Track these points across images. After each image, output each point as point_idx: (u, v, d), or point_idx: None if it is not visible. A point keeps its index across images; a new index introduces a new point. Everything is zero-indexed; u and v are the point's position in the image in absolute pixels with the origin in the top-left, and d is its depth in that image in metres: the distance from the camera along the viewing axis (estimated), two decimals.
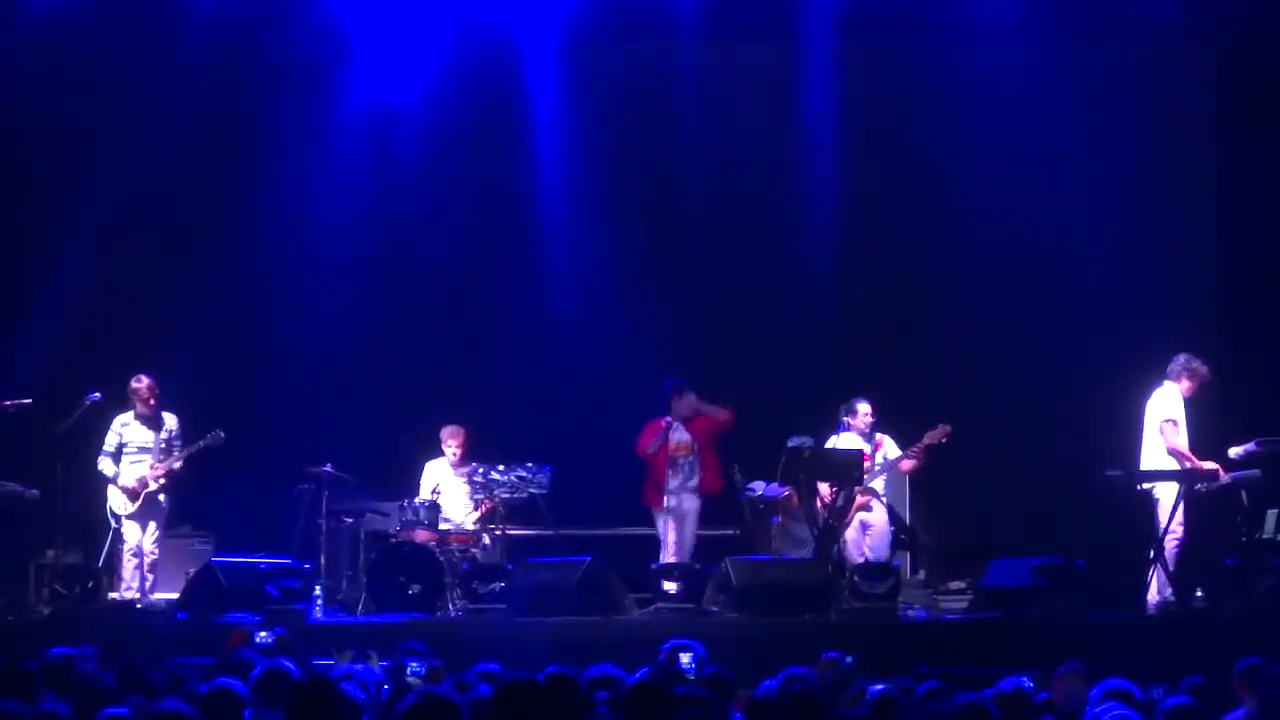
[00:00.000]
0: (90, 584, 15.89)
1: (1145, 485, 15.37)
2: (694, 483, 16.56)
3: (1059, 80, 18.15)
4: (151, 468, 16.11)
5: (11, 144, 18.59)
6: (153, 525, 16.13)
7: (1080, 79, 18.19)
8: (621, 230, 18.55)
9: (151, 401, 16.20)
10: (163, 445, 16.19)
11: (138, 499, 16.07)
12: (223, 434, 16.10)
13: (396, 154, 18.60)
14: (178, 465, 16.15)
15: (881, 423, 16.52)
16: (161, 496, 16.17)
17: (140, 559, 16.07)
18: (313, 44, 18.46)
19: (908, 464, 16.56)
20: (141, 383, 16.19)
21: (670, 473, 16.55)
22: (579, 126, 18.69)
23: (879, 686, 8.65)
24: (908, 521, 16.77)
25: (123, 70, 18.33)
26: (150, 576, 16.07)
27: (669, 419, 16.59)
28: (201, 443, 16.14)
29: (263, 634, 11.24)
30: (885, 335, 18.28)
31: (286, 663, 9.22)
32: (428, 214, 18.65)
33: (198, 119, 18.29)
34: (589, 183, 18.66)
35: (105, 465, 16.17)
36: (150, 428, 16.22)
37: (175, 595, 15.86)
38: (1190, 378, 15.53)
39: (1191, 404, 15.54)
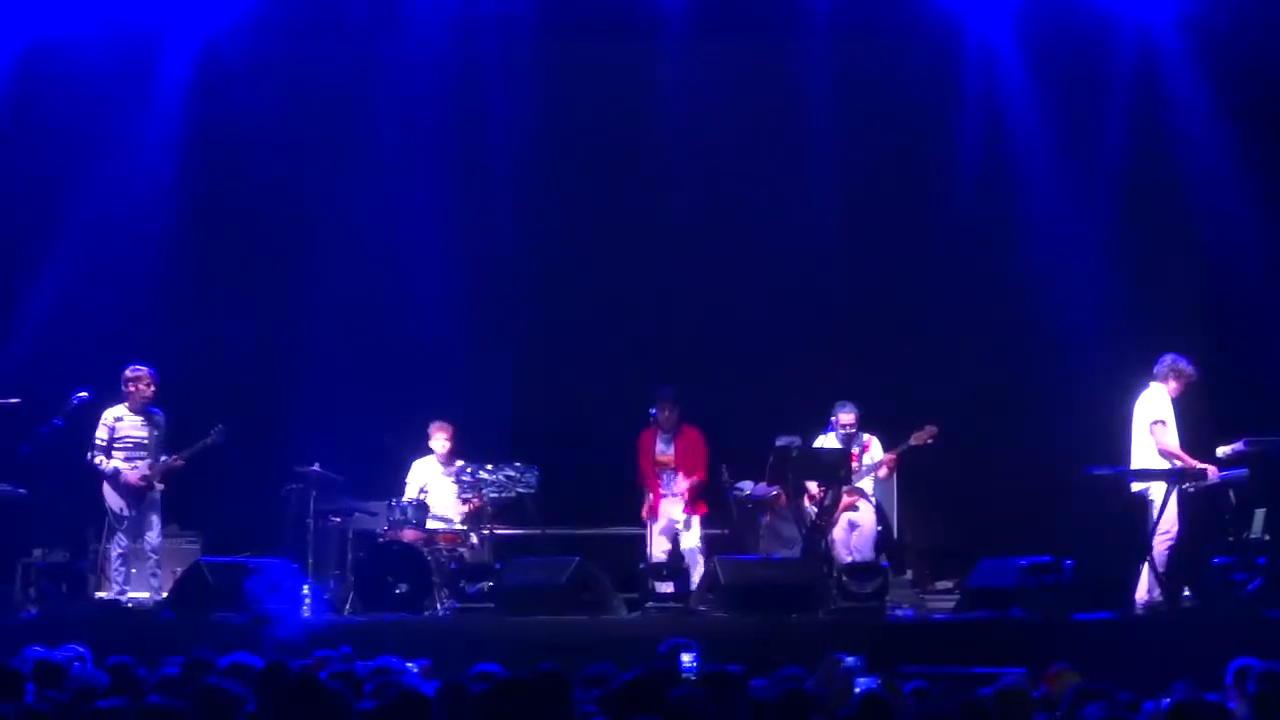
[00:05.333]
0: (77, 583, 15.85)
1: (1140, 487, 15.38)
2: (675, 493, 16.55)
3: (1041, 83, 18.21)
4: (150, 467, 16.02)
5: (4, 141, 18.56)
6: (154, 520, 16.02)
7: (1061, 83, 18.23)
8: (610, 230, 18.58)
9: (151, 391, 16.08)
10: (158, 441, 16.12)
11: (143, 498, 15.97)
12: (223, 429, 16.08)
13: (376, 151, 18.57)
14: (180, 464, 16.09)
15: (869, 423, 16.54)
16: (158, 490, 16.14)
17: (140, 559, 15.97)
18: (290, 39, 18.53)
19: (883, 471, 16.58)
20: (139, 372, 16.06)
21: (660, 481, 16.56)
22: (564, 126, 18.68)
23: (865, 682, 8.65)
24: (895, 521, 16.80)
25: (117, 51, 18.29)
26: (160, 572, 15.98)
27: (656, 428, 16.61)
28: (206, 440, 16.10)
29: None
30: (874, 335, 18.30)
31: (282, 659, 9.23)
32: (412, 215, 18.63)
33: (195, 116, 18.35)
34: (577, 184, 18.67)
35: (100, 460, 15.98)
36: (145, 422, 16.08)
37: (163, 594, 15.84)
38: (1176, 378, 15.53)
39: (1180, 403, 15.55)
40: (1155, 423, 15.36)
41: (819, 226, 18.47)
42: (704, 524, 16.68)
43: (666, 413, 16.54)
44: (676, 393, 16.60)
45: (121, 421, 16.09)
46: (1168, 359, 15.57)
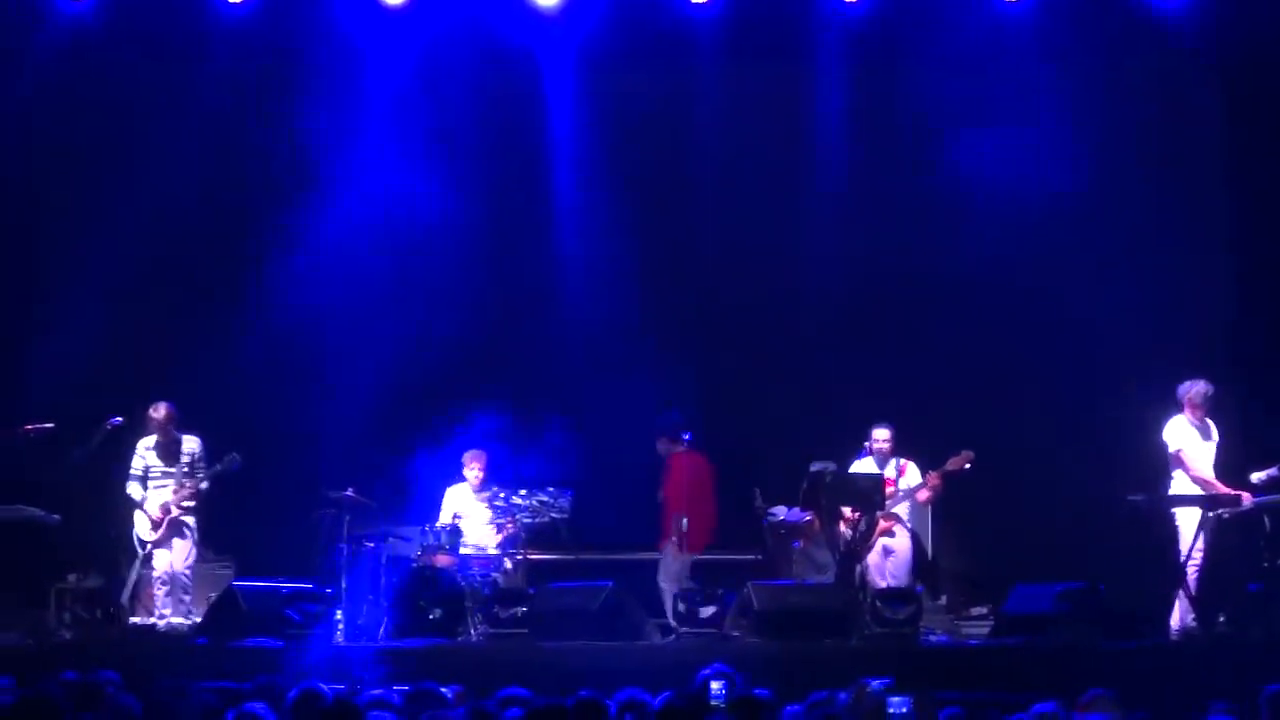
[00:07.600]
0: (111, 608, 15.90)
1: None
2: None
3: (1070, 103, 18.17)
4: (174, 493, 16.18)
5: (31, 164, 18.62)
6: (179, 546, 16.21)
7: (1091, 103, 18.18)
8: (642, 253, 18.57)
9: (169, 429, 16.29)
10: (185, 469, 16.24)
11: (160, 527, 16.16)
12: (238, 457, 16.19)
13: (413, 179, 18.63)
14: (203, 486, 16.24)
15: (904, 449, 16.51)
16: (190, 519, 16.26)
17: (171, 585, 16.14)
18: (331, 67, 18.58)
19: (924, 494, 16.51)
20: (159, 412, 16.29)
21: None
22: (595, 150, 18.70)
23: (899, 702, 8.62)
24: (929, 547, 16.75)
25: (143, 89, 18.43)
26: (186, 598, 16.12)
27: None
28: (218, 467, 16.24)
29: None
30: (908, 360, 18.21)
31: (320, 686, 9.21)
32: (447, 239, 18.68)
33: (218, 140, 18.41)
34: (607, 206, 18.67)
35: (133, 489, 16.29)
36: (170, 454, 16.31)
37: (197, 619, 15.87)
38: (1193, 402, 15.55)
39: (1216, 429, 15.53)
40: (1177, 452, 15.38)
41: (855, 252, 18.48)
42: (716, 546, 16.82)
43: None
44: (665, 420, 16.76)
45: (151, 452, 16.36)
46: (1184, 385, 15.57)
